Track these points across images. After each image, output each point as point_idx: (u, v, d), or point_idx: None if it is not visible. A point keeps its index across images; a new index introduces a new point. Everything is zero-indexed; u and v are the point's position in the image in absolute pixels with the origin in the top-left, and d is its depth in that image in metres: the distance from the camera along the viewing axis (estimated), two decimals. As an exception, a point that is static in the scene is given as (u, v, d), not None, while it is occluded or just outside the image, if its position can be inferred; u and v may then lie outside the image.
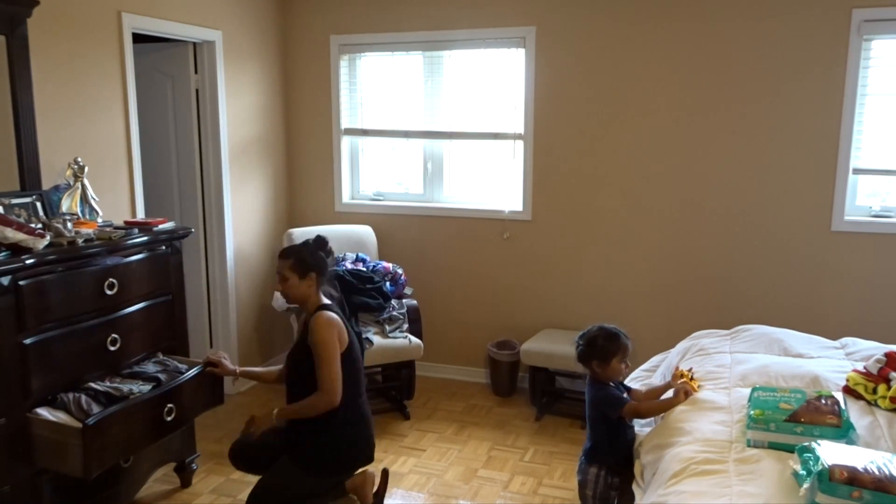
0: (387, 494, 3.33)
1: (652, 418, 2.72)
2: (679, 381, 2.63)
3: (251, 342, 4.67)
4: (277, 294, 4.28)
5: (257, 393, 4.55)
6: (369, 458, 2.94)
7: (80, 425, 2.54)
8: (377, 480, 3.04)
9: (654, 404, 2.67)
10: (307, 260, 2.80)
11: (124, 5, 3.55)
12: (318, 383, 2.69)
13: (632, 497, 2.55)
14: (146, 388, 2.89)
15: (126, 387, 2.86)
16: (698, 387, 2.60)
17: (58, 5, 3.19)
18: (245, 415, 4.16)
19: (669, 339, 3.75)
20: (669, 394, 2.66)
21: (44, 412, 2.60)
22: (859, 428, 2.18)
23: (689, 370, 2.73)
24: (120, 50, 3.54)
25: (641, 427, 2.74)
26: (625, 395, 2.72)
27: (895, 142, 3.84)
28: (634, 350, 4.28)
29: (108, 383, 2.87)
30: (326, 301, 2.87)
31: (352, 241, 4.61)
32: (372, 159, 5.00)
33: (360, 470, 2.98)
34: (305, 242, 2.91)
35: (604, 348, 2.66)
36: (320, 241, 2.91)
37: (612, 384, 2.70)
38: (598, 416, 2.69)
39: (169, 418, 2.90)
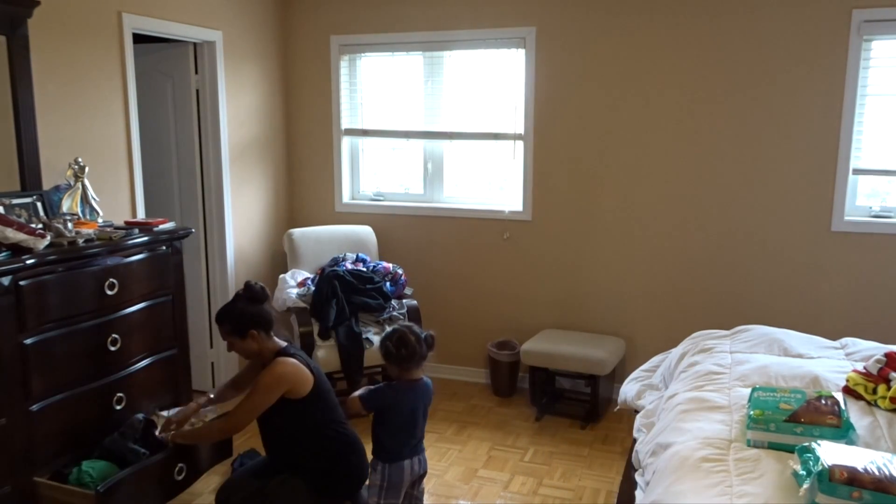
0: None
1: (653, 419, 2.71)
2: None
3: (251, 342, 4.67)
4: (279, 294, 4.27)
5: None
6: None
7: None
8: None
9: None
10: (240, 320, 2.69)
11: (125, 6, 3.55)
12: (232, 411, 2.66)
13: (632, 497, 2.55)
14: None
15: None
16: None
17: (58, 6, 3.19)
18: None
19: (669, 339, 3.76)
20: None
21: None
22: (859, 428, 2.18)
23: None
24: (120, 50, 3.54)
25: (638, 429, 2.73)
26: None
27: (895, 142, 3.84)
28: (635, 350, 4.36)
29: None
30: (283, 344, 2.78)
31: (352, 241, 4.61)
32: (372, 159, 5.00)
33: None
34: (236, 297, 2.77)
35: (398, 355, 2.65)
36: (250, 291, 2.76)
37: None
38: None
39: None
